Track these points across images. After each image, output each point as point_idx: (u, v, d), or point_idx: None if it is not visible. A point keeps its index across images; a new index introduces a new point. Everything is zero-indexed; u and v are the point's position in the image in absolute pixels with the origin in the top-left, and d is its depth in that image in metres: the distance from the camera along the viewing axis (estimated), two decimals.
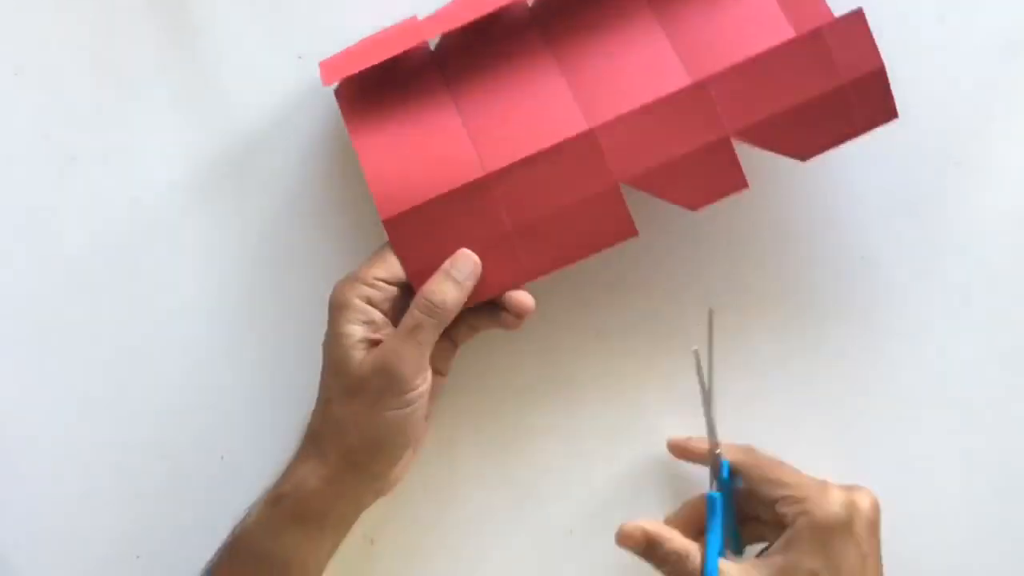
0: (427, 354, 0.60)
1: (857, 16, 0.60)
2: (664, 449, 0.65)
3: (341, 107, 0.64)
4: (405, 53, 0.63)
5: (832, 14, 0.61)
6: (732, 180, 0.60)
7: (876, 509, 0.59)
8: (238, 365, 0.68)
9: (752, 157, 0.62)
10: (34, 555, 0.68)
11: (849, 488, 0.60)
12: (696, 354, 0.62)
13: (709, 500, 0.61)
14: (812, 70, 0.60)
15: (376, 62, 0.62)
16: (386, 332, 0.60)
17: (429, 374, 0.60)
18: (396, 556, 0.68)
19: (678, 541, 0.60)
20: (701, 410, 0.63)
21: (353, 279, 0.61)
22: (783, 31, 0.61)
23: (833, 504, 0.58)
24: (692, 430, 0.64)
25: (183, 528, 0.68)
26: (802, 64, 0.60)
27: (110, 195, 0.69)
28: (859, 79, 0.60)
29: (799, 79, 0.60)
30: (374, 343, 0.60)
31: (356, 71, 0.63)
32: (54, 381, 0.68)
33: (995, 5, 0.67)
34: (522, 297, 0.61)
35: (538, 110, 0.62)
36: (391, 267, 0.61)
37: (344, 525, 0.62)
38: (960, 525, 0.66)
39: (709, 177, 0.61)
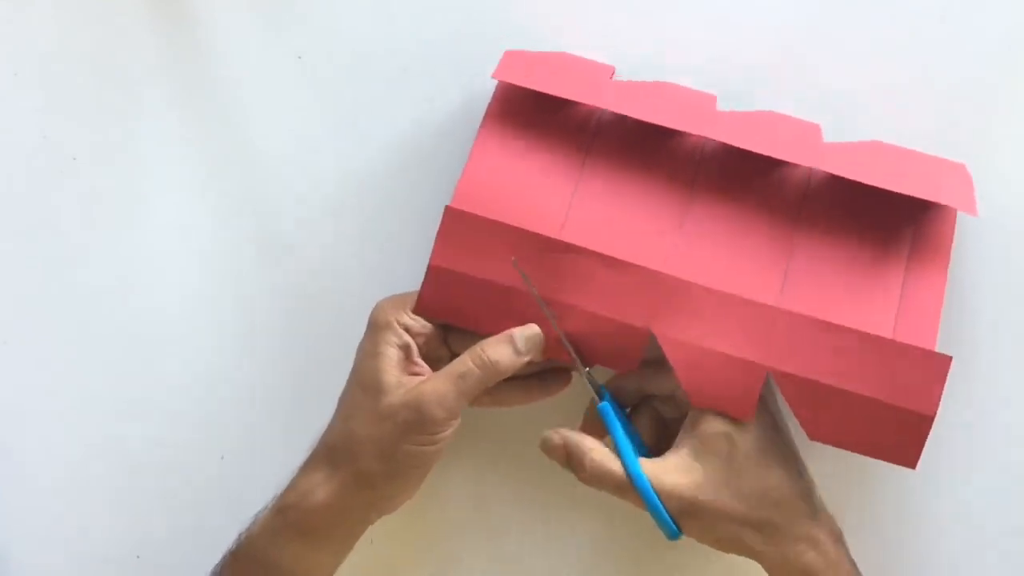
0: (465, 404, 0.60)
1: (943, 361, 0.58)
2: None
3: (495, 97, 0.64)
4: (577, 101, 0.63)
5: (934, 345, 0.59)
6: (744, 407, 0.59)
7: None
8: (238, 365, 0.68)
9: None
10: (34, 555, 0.68)
11: None
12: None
13: (601, 411, 0.61)
14: (877, 373, 0.58)
15: (551, 93, 0.62)
16: (421, 367, 0.61)
17: (459, 420, 0.60)
18: (396, 556, 0.68)
19: (594, 446, 0.60)
20: None
21: (399, 303, 0.62)
22: (883, 326, 0.59)
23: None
24: None
25: (183, 528, 0.68)
26: (873, 362, 0.58)
27: (110, 195, 0.69)
28: (908, 412, 0.58)
29: (859, 370, 0.58)
30: (409, 372, 0.60)
31: (529, 87, 0.63)
32: (54, 381, 0.68)
33: (995, 5, 0.67)
34: (563, 380, 0.63)
35: (639, 229, 0.62)
36: (465, 392, 0.60)
37: (349, 540, 0.62)
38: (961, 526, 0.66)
39: (728, 388, 0.60)
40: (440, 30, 0.67)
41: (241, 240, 0.69)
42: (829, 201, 0.62)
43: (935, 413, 0.58)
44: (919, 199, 0.60)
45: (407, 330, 0.61)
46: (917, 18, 0.67)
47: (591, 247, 0.61)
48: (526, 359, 0.61)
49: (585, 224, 0.62)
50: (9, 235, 0.69)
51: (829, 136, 0.63)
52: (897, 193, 0.60)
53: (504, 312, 0.61)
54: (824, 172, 0.62)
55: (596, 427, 0.62)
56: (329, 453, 0.61)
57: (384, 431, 0.59)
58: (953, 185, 0.62)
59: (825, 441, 0.59)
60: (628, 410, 0.63)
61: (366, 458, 0.59)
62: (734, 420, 0.59)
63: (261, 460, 0.68)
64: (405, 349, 0.61)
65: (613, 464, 0.59)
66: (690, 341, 0.60)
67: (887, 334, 0.59)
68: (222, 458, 0.69)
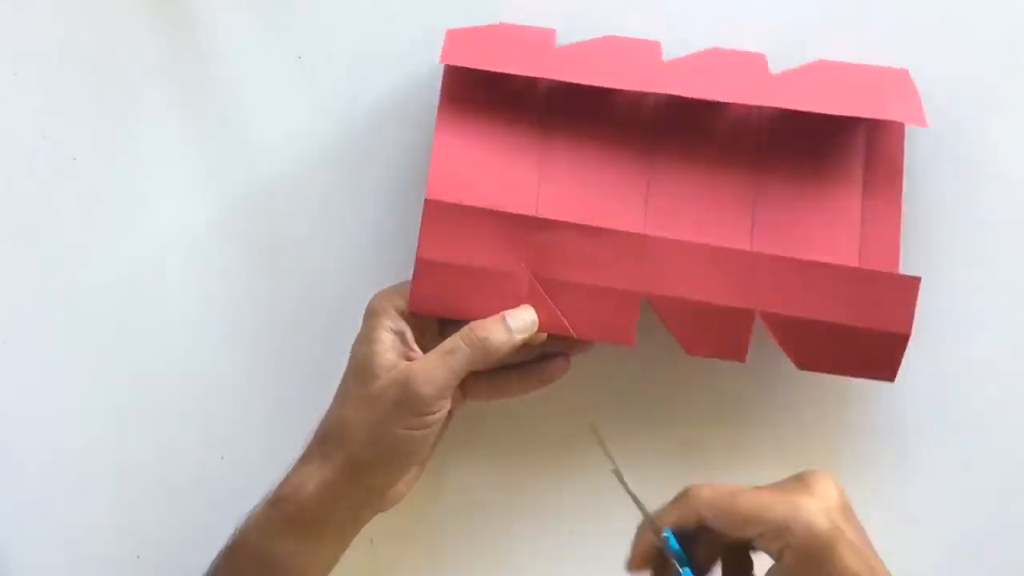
0: (453, 383, 0.59)
1: (913, 282, 0.61)
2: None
3: (444, 82, 0.64)
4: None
5: (897, 268, 0.61)
6: (738, 350, 0.62)
7: (842, 493, 0.55)
8: (238, 365, 0.68)
9: None
10: (34, 555, 0.68)
11: (809, 487, 0.54)
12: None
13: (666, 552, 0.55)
14: (850, 301, 0.61)
15: (498, 71, 0.62)
16: (416, 352, 0.61)
17: (449, 403, 0.60)
18: (396, 556, 0.68)
19: None
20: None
21: (394, 291, 0.62)
22: (849, 255, 0.62)
23: (811, 521, 0.52)
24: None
25: (183, 528, 0.68)
26: (845, 292, 0.61)
27: (110, 195, 0.69)
28: (884, 334, 0.61)
29: (834, 302, 0.61)
30: (405, 357, 0.60)
31: (476, 67, 0.62)
32: (54, 381, 0.68)
33: (996, 5, 0.67)
34: (562, 366, 0.63)
35: (608, 192, 0.62)
36: (457, 371, 0.60)
37: (343, 534, 0.61)
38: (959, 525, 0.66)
39: (720, 336, 0.62)
40: (440, 30, 0.67)
41: (241, 240, 0.69)
42: (783, 135, 0.63)
43: (910, 331, 0.61)
44: (868, 119, 0.62)
45: (402, 315, 0.61)
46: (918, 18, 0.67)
47: (566, 219, 0.61)
48: (519, 339, 0.60)
49: (557, 197, 0.62)
50: (9, 235, 0.69)
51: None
52: (846, 116, 0.61)
53: (497, 297, 0.61)
54: (773, 107, 0.62)
55: (649, 561, 0.57)
56: (322, 442, 0.61)
57: (374, 414, 0.59)
58: (899, 98, 0.62)
59: (812, 368, 0.62)
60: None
61: (356, 443, 0.59)
62: (831, 573, 0.52)
63: (261, 460, 0.68)
64: (400, 334, 0.61)
65: None
66: (679, 296, 0.61)
67: (854, 262, 0.61)
68: (222, 458, 0.69)
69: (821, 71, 0.64)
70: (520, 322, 0.61)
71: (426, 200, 0.61)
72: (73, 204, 0.69)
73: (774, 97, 0.62)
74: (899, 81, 0.63)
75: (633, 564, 0.57)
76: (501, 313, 0.61)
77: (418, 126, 0.68)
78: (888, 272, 0.61)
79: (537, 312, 0.61)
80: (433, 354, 0.60)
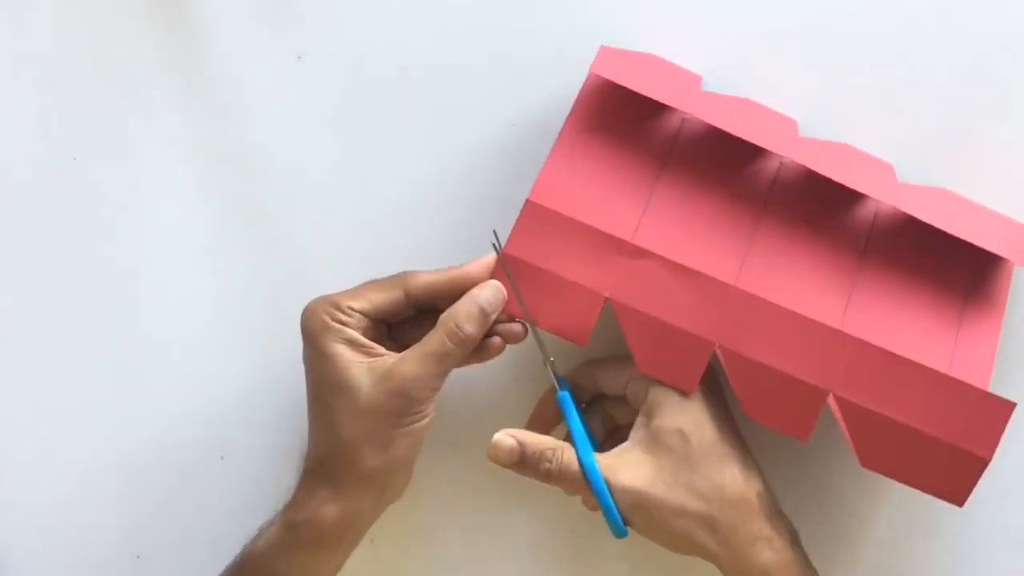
0: (445, 378, 0.60)
1: (1007, 406, 0.58)
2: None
3: (584, 92, 0.64)
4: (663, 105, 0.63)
5: (987, 386, 0.59)
6: (801, 428, 0.60)
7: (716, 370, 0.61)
8: (238, 365, 0.68)
9: None
10: (34, 555, 0.68)
11: None
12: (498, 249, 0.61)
13: (560, 400, 0.61)
14: (934, 409, 0.58)
15: (642, 93, 0.62)
16: (375, 347, 0.60)
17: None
18: (396, 556, 0.68)
19: (547, 442, 0.60)
20: None
21: (327, 303, 0.60)
22: (941, 361, 0.60)
23: None
24: None
25: (183, 528, 0.68)
26: (930, 397, 0.58)
27: (110, 195, 0.69)
28: (964, 452, 0.58)
29: (917, 405, 0.58)
30: (366, 356, 0.59)
31: (624, 85, 0.63)
32: (54, 381, 0.68)
33: (996, 5, 0.67)
34: (517, 328, 0.62)
35: (708, 240, 0.62)
36: (366, 300, 0.60)
37: (358, 540, 0.62)
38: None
39: (786, 408, 0.60)
40: (440, 30, 0.68)
41: (241, 240, 0.69)
42: (894, 237, 0.63)
43: (991, 457, 0.58)
44: (979, 248, 0.61)
45: (345, 325, 0.60)
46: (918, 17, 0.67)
47: (665, 254, 0.61)
48: (493, 318, 0.60)
49: (656, 231, 0.62)
50: (9, 235, 0.69)
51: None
52: (959, 240, 0.61)
53: (567, 307, 0.61)
54: (892, 208, 0.62)
55: (546, 418, 0.63)
56: (325, 467, 0.60)
57: (375, 425, 0.59)
58: (1014, 240, 0.62)
59: (877, 470, 0.59)
60: (583, 406, 0.64)
61: (366, 458, 0.59)
62: (687, 416, 0.59)
63: (261, 460, 0.68)
64: (350, 342, 0.59)
65: (569, 458, 0.59)
66: (752, 357, 0.60)
67: (944, 368, 0.59)
68: (222, 458, 0.69)
69: (947, 197, 0.64)
70: (494, 303, 0.60)
71: (527, 201, 0.61)
72: (73, 204, 0.69)
73: (901, 202, 0.62)
74: (1017, 229, 0.64)
75: (532, 421, 0.64)
76: (471, 297, 0.60)
77: (417, 126, 0.68)
78: (982, 390, 0.58)
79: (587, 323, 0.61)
80: (421, 357, 0.59)
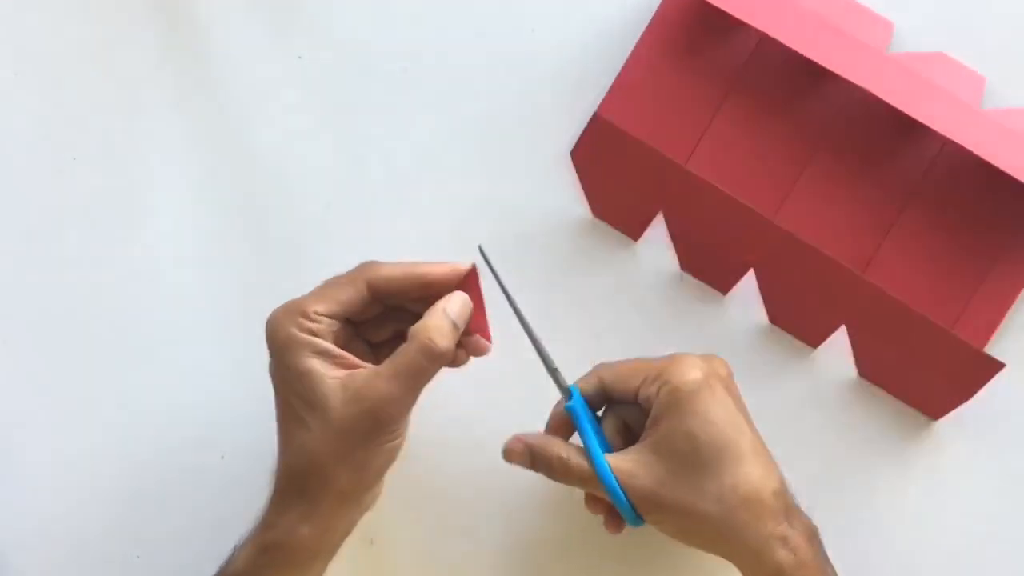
0: (418, 395, 0.58)
1: (994, 365, 0.62)
2: None
3: (662, 6, 0.66)
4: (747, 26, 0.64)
5: (987, 342, 0.64)
6: (814, 339, 0.66)
7: (728, 367, 0.61)
8: (238, 365, 0.68)
9: None
10: (34, 555, 0.68)
11: (697, 356, 0.60)
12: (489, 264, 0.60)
13: (570, 411, 0.61)
14: (932, 357, 0.63)
15: (728, 10, 0.63)
16: (348, 358, 0.58)
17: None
18: (396, 556, 0.68)
19: (559, 445, 0.60)
20: None
21: (292, 312, 0.58)
22: (951, 313, 0.64)
23: (688, 368, 0.59)
24: None
25: (183, 528, 0.68)
26: (932, 348, 0.63)
27: (110, 195, 0.69)
28: (947, 388, 0.64)
29: (916, 347, 0.63)
30: (341, 367, 0.58)
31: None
32: (54, 381, 0.69)
33: (995, 6, 0.67)
34: (482, 344, 0.61)
35: (761, 170, 0.65)
36: (332, 301, 0.58)
37: (333, 555, 0.61)
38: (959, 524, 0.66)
39: (804, 323, 0.66)
40: (439, 30, 0.68)
41: (240, 240, 0.69)
42: (953, 176, 0.64)
43: (969, 399, 0.63)
44: None
45: (312, 334, 0.57)
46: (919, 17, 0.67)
47: (713, 179, 0.64)
48: (461, 331, 0.59)
49: (713, 154, 0.65)
50: (9, 235, 0.69)
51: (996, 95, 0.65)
52: (1017, 183, 0.62)
53: (628, 213, 0.66)
54: (959, 145, 0.62)
55: (561, 428, 0.62)
56: (298, 485, 0.58)
57: (348, 445, 0.57)
58: None
59: (869, 379, 0.65)
60: (598, 413, 0.63)
61: (341, 478, 0.57)
62: (698, 419, 0.58)
63: (261, 460, 0.68)
64: (323, 354, 0.57)
65: (579, 458, 0.59)
66: (781, 283, 0.65)
67: (952, 318, 0.64)
68: (222, 458, 0.69)
69: None
70: (463, 316, 0.59)
71: (597, 115, 0.64)
72: (73, 204, 0.69)
73: (971, 139, 0.62)
74: None
75: (549, 429, 0.63)
76: (442, 308, 0.58)
77: (417, 126, 0.68)
78: (976, 349, 0.62)
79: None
80: (392, 376, 0.57)
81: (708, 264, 0.66)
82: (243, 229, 0.69)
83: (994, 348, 0.64)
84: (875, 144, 0.65)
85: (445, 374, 0.59)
